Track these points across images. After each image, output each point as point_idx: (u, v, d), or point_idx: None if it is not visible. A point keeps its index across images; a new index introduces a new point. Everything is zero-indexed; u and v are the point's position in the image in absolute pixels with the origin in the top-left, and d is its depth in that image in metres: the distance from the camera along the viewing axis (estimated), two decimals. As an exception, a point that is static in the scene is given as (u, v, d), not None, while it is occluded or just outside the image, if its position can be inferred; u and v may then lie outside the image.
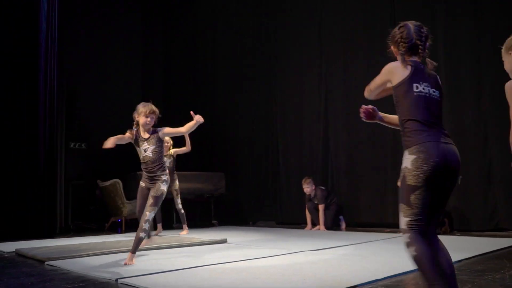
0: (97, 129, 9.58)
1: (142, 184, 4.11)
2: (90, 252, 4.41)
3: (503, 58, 2.48)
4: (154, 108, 4.08)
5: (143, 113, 4.01)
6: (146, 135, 4.06)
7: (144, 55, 11.10)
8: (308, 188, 7.08)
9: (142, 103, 4.11)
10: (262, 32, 9.05)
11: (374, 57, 7.18)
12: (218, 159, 9.47)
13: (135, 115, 4.09)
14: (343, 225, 7.09)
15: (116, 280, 3.14)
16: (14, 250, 4.88)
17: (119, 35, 10.38)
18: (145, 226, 3.85)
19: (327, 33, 7.84)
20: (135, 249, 3.86)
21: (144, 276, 3.26)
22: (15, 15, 7.52)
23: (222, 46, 9.83)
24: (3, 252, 4.94)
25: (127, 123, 12.36)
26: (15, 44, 7.50)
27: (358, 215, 7.22)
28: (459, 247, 4.32)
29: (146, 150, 4.04)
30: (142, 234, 3.84)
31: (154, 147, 4.03)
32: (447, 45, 6.25)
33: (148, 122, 4.02)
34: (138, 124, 4.09)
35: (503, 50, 2.47)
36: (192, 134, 10.77)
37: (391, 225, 6.60)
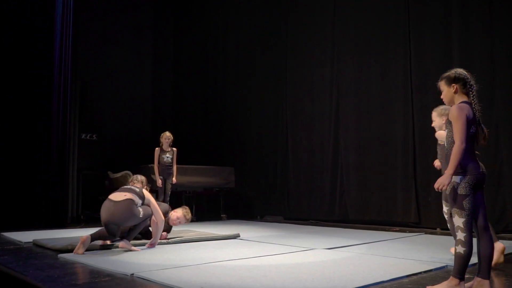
0: (108, 121, 9.68)
1: None
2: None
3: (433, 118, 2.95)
4: None
5: None
6: None
7: (155, 49, 11.21)
8: None
9: None
10: (273, 27, 9.05)
11: (387, 55, 7.21)
12: (228, 153, 9.53)
13: None
14: None
15: (132, 274, 3.23)
16: (31, 240, 4.97)
17: (131, 29, 10.51)
18: None
19: (339, 31, 7.83)
20: None
21: (159, 270, 3.34)
22: (30, 10, 7.59)
23: (233, 40, 9.85)
24: (21, 242, 5.03)
25: (137, 115, 12.42)
26: (30, 38, 7.59)
27: (367, 213, 7.27)
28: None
29: None
30: None
31: None
32: (461, 48, 6.26)
33: None
34: None
35: (434, 113, 2.92)
36: (203, 129, 10.80)
37: (400, 224, 6.67)
